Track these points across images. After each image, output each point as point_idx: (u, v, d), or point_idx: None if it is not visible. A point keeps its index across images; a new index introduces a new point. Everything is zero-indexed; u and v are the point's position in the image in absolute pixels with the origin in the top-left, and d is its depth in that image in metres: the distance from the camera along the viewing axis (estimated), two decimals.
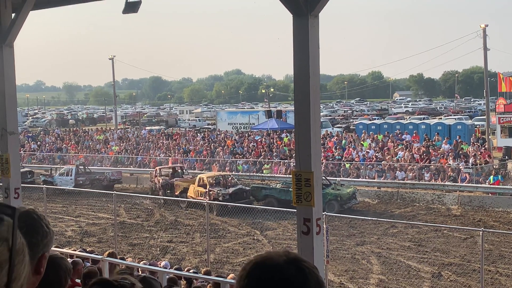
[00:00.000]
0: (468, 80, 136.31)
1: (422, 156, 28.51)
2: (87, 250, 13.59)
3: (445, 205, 24.60)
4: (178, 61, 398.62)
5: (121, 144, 41.02)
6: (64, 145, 43.54)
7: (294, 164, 9.15)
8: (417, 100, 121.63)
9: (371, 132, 35.38)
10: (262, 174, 31.16)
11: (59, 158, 40.58)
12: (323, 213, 9.65)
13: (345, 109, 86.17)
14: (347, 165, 29.64)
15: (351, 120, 61.30)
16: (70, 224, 22.97)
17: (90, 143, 42.75)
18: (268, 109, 52.96)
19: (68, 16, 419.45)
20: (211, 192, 24.39)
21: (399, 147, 30.58)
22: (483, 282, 12.77)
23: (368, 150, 30.66)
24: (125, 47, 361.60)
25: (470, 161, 27.12)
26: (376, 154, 30.04)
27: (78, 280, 5.34)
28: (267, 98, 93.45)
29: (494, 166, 27.20)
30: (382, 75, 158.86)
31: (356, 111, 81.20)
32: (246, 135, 40.01)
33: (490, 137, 34.81)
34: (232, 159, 33.67)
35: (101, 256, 10.35)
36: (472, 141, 30.97)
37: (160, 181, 27.51)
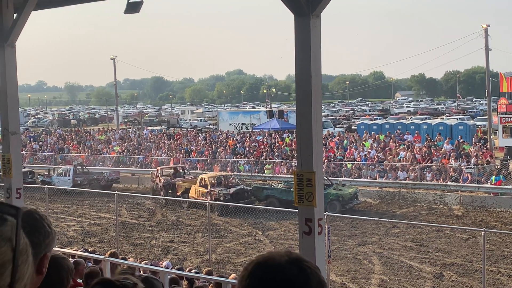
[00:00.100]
0: (470, 80, 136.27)
1: (424, 156, 28.49)
2: (89, 250, 13.59)
3: (447, 205, 24.58)
4: (180, 61, 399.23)
5: (123, 144, 41.06)
6: (65, 145, 43.58)
7: (296, 164, 9.16)
8: (419, 100, 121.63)
9: (372, 132, 35.37)
10: (264, 174, 31.16)
11: (61, 158, 40.61)
12: (325, 213, 9.65)
13: (347, 109, 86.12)
14: (349, 165, 29.63)
15: (352, 120, 61.30)
16: (72, 224, 22.99)
17: (92, 143, 42.79)
18: (270, 109, 52.99)
19: (70, 16, 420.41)
20: (212, 192, 24.39)
21: (401, 147, 30.57)
22: (484, 283, 12.75)
23: (369, 150, 30.65)
24: (127, 47, 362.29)
25: (472, 161, 27.10)
26: (378, 154, 30.03)
27: (80, 280, 5.35)
28: (268, 98, 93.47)
29: (496, 166, 27.18)
30: (383, 75, 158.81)
31: (358, 111, 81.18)
32: (248, 135, 40.01)
33: (492, 137, 34.74)
34: (234, 159, 33.68)
35: (103, 256, 10.35)
36: (474, 141, 30.96)
37: (162, 181, 27.52)
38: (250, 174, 31.20)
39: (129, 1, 9.46)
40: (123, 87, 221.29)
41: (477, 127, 39.28)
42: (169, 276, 9.27)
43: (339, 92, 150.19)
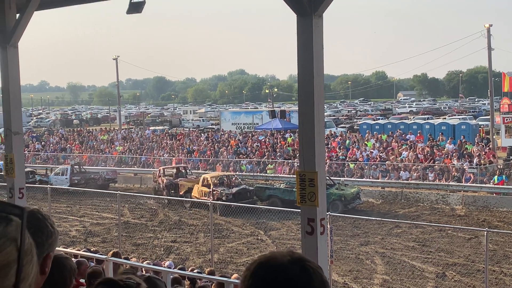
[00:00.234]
0: (472, 80, 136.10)
1: (426, 156, 28.47)
2: (92, 250, 13.60)
3: (449, 205, 24.56)
4: (182, 61, 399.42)
5: (125, 144, 41.08)
6: (68, 145, 43.62)
7: (298, 164, 9.16)
8: (421, 100, 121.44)
9: (375, 132, 35.34)
10: (266, 174, 31.16)
11: (63, 158, 40.65)
12: (327, 213, 9.65)
13: (349, 109, 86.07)
14: (351, 165, 29.62)
15: (355, 120, 61.24)
16: (75, 224, 23.01)
17: (94, 143, 42.84)
18: (272, 109, 52.93)
19: (72, 17, 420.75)
20: (214, 192, 24.40)
21: (403, 147, 30.54)
22: (487, 282, 12.74)
23: (372, 150, 30.63)
24: (129, 47, 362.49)
25: (475, 161, 27.07)
26: (380, 154, 30.00)
27: (82, 280, 5.36)
28: (270, 98, 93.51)
29: (499, 166, 27.13)
30: (386, 75, 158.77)
31: (360, 111, 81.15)
32: (250, 135, 40.01)
33: (494, 137, 34.71)
34: (236, 159, 33.68)
35: (105, 256, 10.36)
36: (476, 141, 30.92)
37: (164, 181, 27.54)
38: (252, 174, 31.22)
39: (132, 1, 9.46)
40: (125, 87, 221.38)
41: (480, 127, 39.21)
42: (171, 276, 9.28)
43: (341, 92, 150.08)
